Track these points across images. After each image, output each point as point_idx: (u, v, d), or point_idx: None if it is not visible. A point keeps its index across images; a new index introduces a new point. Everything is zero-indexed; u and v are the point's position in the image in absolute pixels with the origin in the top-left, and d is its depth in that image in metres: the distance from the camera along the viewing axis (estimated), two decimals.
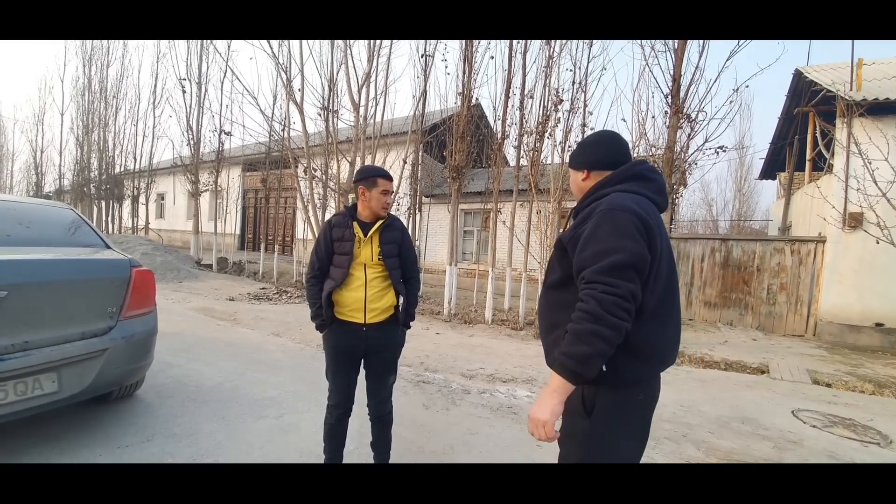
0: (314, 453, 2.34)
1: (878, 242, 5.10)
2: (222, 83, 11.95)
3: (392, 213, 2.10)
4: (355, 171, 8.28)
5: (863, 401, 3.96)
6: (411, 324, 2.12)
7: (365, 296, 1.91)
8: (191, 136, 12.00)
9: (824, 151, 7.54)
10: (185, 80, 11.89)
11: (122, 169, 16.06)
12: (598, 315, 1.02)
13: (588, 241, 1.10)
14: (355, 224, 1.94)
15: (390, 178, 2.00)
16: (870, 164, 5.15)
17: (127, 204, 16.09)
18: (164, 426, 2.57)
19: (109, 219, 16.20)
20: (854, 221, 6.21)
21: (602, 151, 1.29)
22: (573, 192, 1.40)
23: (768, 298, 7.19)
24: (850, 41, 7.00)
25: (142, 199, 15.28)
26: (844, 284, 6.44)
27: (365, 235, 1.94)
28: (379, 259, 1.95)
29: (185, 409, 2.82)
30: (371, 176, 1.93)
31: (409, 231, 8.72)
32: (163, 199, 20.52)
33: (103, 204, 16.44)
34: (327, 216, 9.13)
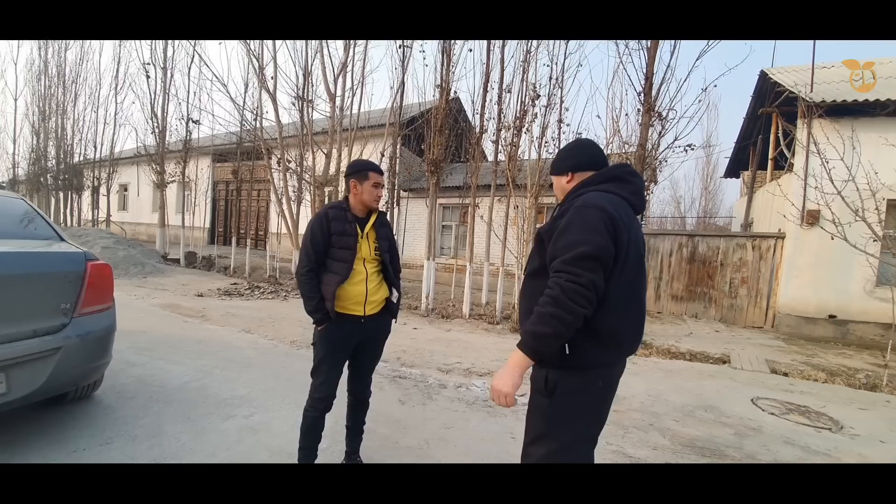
0: (286, 452, 2.29)
1: (832, 239, 5.38)
2: (189, 69, 11.43)
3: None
4: (347, 164, 8.10)
5: (816, 389, 4.20)
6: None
7: (366, 290, 1.97)
8: (155, 124, 11.47)
9: (786, 151, 7.90)
10: (149, 64, 11.34)
11: (82, 158, 15.19)
12: (559, 300, 1.13)
13: (561, 234, 1.22)
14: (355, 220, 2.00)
15: (381, 172, 2.04)
16: (827, 163, 5.42)
17: (87, 195, 15.25)
18: (124, 428, 2.46)
19: (68, 211, 15.33)
20: (811, 218, 6.54)
21: (584, 155, 1.42)
22: (557, 195, 1.47)
23: (730, 292, 7.51)
24: (811, 42, 7.30)
25: (103, 190, 14.50)
26: (801, 279, 6.78)
27: (362, 231, 1.99)
28: (376, 254, 2.03)
29: (147, 410, 2.71)
30: (363, 170, 1.99)
31: None
32: (126, 190, 19.58)
33: (61, 195, 15.53)
34: (302, 209, 8.94)
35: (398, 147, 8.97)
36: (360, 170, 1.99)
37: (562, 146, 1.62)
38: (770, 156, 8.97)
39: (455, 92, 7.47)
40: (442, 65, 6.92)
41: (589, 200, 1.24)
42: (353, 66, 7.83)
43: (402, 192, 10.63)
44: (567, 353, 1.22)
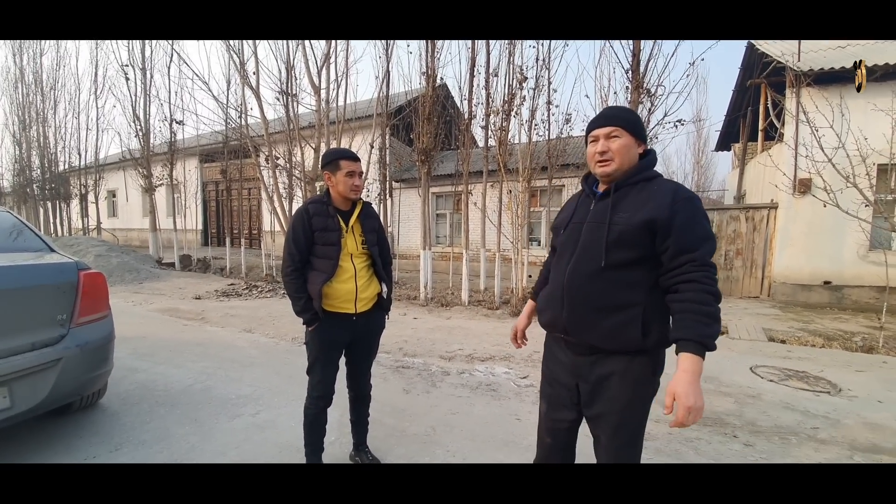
0: (294, 447, 2.31)
1: (825, 206, 5.41)
2: (169, 68, 11.19)
3: (363, 198, 2.04)
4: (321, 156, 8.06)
5: (814, 354, 4.27)
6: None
7: (356, 287, 1.90)
8: (139, 127, 11.27)
9: (775, 121, 7.89)
10: (127, 66, 11.09)
11: (67, 166, 14.94)
12: (718, 297, 1.15)
13: (689, 225, 1.18)
14: (337, 215, 1.90)
15: (354, 159, 1.90)
16: (817, 131, 5.42)
17: (75, 203, 15.04)
18: (132, 434, 2.47)
19: (58, 221, 15.14)
20: (803, 187, 6.57)
21: None
22: (622, 158, 1.27)
23: (726, 264, 7.57)
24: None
25: (91, 197, 14.30)
26: (795, 247, 6.85)
27: (346, 225, 1.90)
28: (364, 248, 1.95)
29: (153, 415, 2.71)
30: (333, 159, 1.89)
31: (381, 218, 8.59)
32: (114, 196, 19.31)
33: (49, 205, 15.31)
34: (294, 206, 8.86)
35: (387, 138, 8.88)
36: (332, 160, 1.88)
37: (623, 106, 1.48)
38: (760, 127, 8.96)
39: (441, 78, 7.37)
40: (427, 51, 6.82)
41: (689, 191, 1.24)
42: (336, 58, 7.69)
43: (393, 182, 10.56)
44: (668, 337, 1.23)
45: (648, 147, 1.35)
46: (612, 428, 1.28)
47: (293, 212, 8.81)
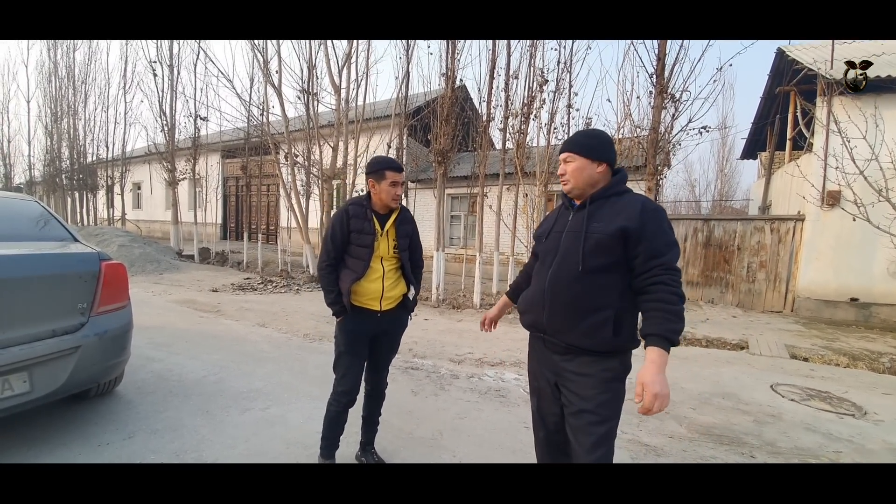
0: (302, 444, 2.32)
1: (854, 220, 5.21)
2: (195, 65, 11.53)
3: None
4: (354, 156, 8.12)
5: (838, 374, 4.10)
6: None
7: (383, 287, 2.00)
8: (164, 122, 11.55)
9: (804, 130, 7.64)
10: (155, 62, 11.40)
11: (95, 158, 15.43)
12: (682, 297, 1.27)
13: (658, 233, 1.31)
14: (374, 218, 1.99)
15: (399, 170, 2.01)
16: (848, 142, 5.22)
17: (102, 194, 15.52)
18: (145, 422, 2.51)
19: (84, 210, 15.64)
20: (832, 199, 6.34)
21: (615, 152, 1.47)
22: (577, 179, 1.42)
23: (748, 276, 7.35)
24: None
25: (116, 189, 14.74)
26: (822, 261, 6.61)
27: (382, 229, 2.00)
28: (395, 252, 2.05)
29: (167, 404, 2.76)
30: (380, 169, 1.98)
31: None
32: (139, 188, 19.86)
33: (77, 195, 15.84)
34: (311, 203, 8.97)
35: (404, 138, 8.92)
36: (378, 169, 1.97)
37: (590, 130, 1.61)
38: (788, 136, 8.69)
39: (461, 80, 7.36)
40: (447, 52, 6.82)
41: (653, 203, 1.38)
42: (357, 58, 7.77)
43: (409, 183, 10.59)
44: (638, 337, 1.35)
45: (620, 165, 1.55)
46: (585, 424, 1.35)
47: (309, 209, 8.93)
